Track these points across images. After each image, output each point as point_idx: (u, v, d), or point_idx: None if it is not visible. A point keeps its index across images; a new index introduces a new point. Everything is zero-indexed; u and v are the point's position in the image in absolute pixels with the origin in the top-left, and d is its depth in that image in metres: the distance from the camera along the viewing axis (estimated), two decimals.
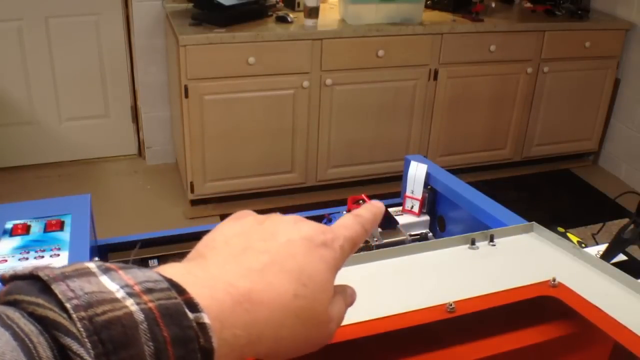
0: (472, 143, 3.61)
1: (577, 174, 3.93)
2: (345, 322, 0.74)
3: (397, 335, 0.74)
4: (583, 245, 1.33)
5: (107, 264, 0.33)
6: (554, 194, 3.69)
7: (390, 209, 1.62)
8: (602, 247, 1.33)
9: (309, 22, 3.04)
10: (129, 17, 3.43)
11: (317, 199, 3.32)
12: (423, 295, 0.80)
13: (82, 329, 0.29)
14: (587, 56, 3.60)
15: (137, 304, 0.31)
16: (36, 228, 1.24)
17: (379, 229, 1.52)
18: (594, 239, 1.76)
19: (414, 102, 3.35)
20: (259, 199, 3.30)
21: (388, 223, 1.61)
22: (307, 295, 0.40)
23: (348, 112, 3.24)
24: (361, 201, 1.50)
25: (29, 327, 0.29)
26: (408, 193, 1.58)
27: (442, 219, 1.58)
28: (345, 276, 0.92)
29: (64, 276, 0.31)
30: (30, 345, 0.28)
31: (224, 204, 3.27)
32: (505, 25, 3.36)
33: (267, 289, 0.38)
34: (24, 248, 1.17)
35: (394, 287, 0.87)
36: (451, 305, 0.76)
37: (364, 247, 1.45)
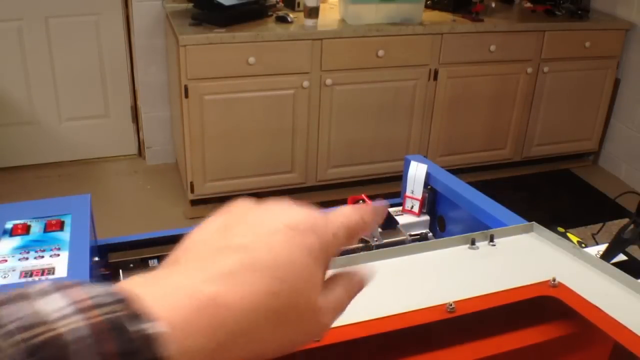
0: (472, 143, 3.61)
1: (577, 174, 3.93)
2: (345, 322, 0.74)
3: (397, 335, 0.74)
4: (583, 245, 1.33)
5: (63, 283, 0.33)
6: (554, 194, 3.69)
7: (390, 209, 1.62)
8: (602, 247, 1.33)
9: (309, 22, 3.04)
10: (129, 17, 3.43)
11: (317, 199, 3.32)
12: (423, 295, 0.80)
13: (14, 354, 0.29)
14: (587, 56, 3.60)
15: (83, 319, 0.31)
16: (36, 228, 1.24)
17: (379, 229, 1.52)
18: (594, 239, 1.76)
19: (414, 102, 3.35)
20: (259, 199, 3.30)
21: (388, 223, 1.61)
22: (284, 290, 0.39)
23: (348, 112, 3.24)
24: (361, 201, 1.50)
25: None
26: (408, 193, 1.58)
27: (442, 219, 1.58)
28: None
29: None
30: None
31: (224, 204, 3.27)
32: (505, 25, 3.36)
33: (235, 290, 0.37)
34: (24, 248, 1.17)
35: (394, 287, 0.87)
36: (451, 305, 0.76)
37: (364, 247, 1.45)
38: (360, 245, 1.46)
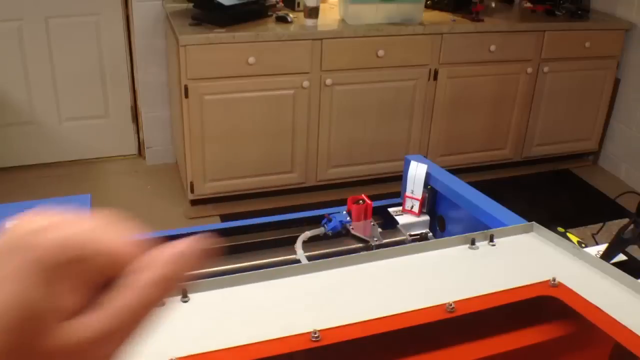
0: (472, 143, 3.61)
1: (577, 174, 3.93)
2: (345, 322, 0.74)
3: (397, 335, 0.74)
4: (583, 245, 1.33)
5: None
6: (554, 194, 3.69)
7: (390, 209, 1.62)
8: (602, 247, 1.33)
9: (309, 22, 3.04)
10: (129, 17, 3.43)
11: (317, 199, 3.31)
12: (423, 295, 0.80)
13: None
14: (587, 56, 3.60)
15: None
16: None
17: (379, 229, 1.52)
18: (594, 239, 1.76)
19: (414, 102, 3.35)
20: (259, 199, 3.30)
21: (388, 223, 1.61)
22: None
23: (348, 112, 3.24)
24: (361, 201, 1.51)
25: None
26: (408, 193, 1.58)
27: (442, 219, 1.58)
28: (345, 276, 0.92)
29: None
30: None
31: (224, 204, 3.27)
32: (505, 25, 3.36)
33: None
34: None
35: (394, 287, 0.87)
36: (451, 305, 0.76)
37: (364, 247, 1.45)
38: (361, 245, 1.46)
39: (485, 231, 1.01)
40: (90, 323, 0.33)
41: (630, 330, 0.70)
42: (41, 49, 3.38)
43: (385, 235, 1.51)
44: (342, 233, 1.50)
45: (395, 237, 1.52)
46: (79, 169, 3.64)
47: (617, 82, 3.80)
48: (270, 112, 3.09)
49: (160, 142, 3.70)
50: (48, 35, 3.36)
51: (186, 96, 2.92)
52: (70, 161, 3.68)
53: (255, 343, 0.83)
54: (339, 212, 1.53)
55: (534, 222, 1.06)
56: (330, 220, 1.49)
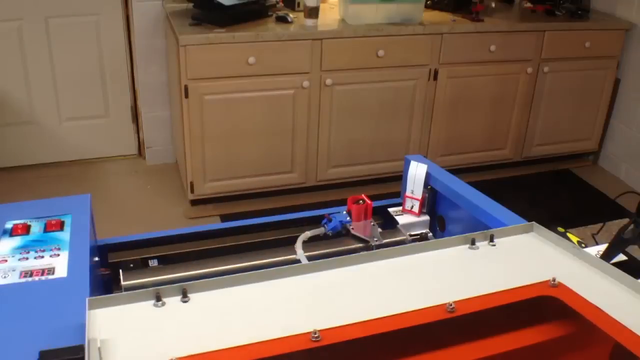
0: (472, 143, 3.61)
1: (577, 174, 3.93)
2: (345, 322, 0.74)
3: (397, 335, 0.74)
4: (583, 245, 1.33)
5: None
6: (554, 194, 3.69)
7: (390, 209, 1.62)
8: (602, 247, 1.33)
9: (309, 22, 3.04)
10: (129, 17, 3.43)
11: (317, 199, 3.32)
12: (423, 295, 0.81)
13: None
14: (587, 56, 3.60)
15: None
16: (36, 228, 1.24)
17: (379, 229, 1.52)
18: (594, 239, 1.76)
19: (414, 102, 3.35)
20: (259, 199, 3.30)
21: (388, 223, 1.61)
22: None
23: (348, 112, 3.24)
24: (361, 201, 1.51)
25: None
26: (408, 193, 1.58)
27: (442, 219, 1.58)
28: (345, 276, 0.93)
29: None
30: None
31: (224, 204, 3.27)
32: (505, 25, 3.36)
33: None
34: (24, 248, 1.17)
35: (394, 287, 0.87)
36: (451, 305, 0.76)
37: (364, 247, 1.45)
38: (361, 245, 1.46)
39: (485, 231, 1.01)
40: None
41: (630, 330, 0.70)
42: (41, 49, 3.38)
43: (385, 235, 1.51)
44: (342, 233, 1.50)
45: (395, 237, 1.52)
46: (79, 169, 3.64)
47: (617, 82, 3.80)
48: (270, 112, 3.09)
49: (160, 142, 3.70)
50: (48, 35, 3.37)
51: (186, 96, 2.92)
52: (70, 161, 3.68)
53: (255, 343, 0.83)
54: (339, 212, 1.53)
55: (534, 222, 1.06)
56: (330, 220, 1.49)
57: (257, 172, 3.21)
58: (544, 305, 0.80)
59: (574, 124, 3.82)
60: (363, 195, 1.52)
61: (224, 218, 3.20)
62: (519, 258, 0.94)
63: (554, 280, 0.81)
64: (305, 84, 3.07)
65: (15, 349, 0.90)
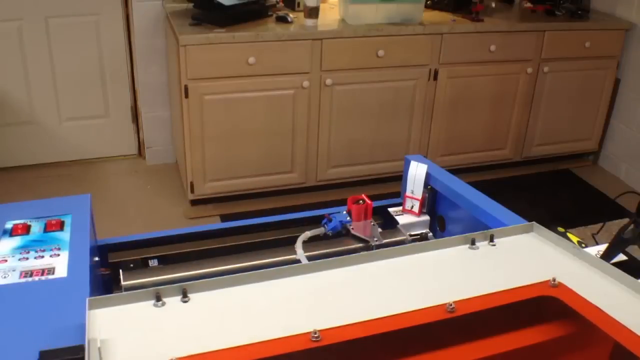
0: (472, 143, 3.61)
1: (577, 174, 3.93)
2: (345, 322, 0.74)
3: (397, 335, 0.74)
4: (583, 245, 1.33)
5: None
6: (554, 194, 3.69)
7: (390, 209, 1.62)
8: (602, 247, 1.33)
9: (309, 22, 3.04)
10: (129, 17, 3.43)
11: (317, 199, 3.32)
12: (423, 295, 0.81)
13: None
14: (587, 56, 3.60)
15: None
16: (36, 228, 1.24)
17: (379, 229, 1.52)
18: (594, 239, 1.76)
19: (414, 102, 3.35)
20: (259, 199, 3.30)
21: (388, 223, 1.61)
22: None
23: (348, 112, 3.24)
24: (361, 201, 1.51)
25: None
26: (408, 193, 1.58)
27: (442, 219, 1.58)
28: (345, 276, 0.92)
29: None
30: None
31: (224, 204, 3.27)
32: (505, 25, 3.36)
33: None
34: (24, 248, 1.17)
35: (394, 287, 0.87)
36: (451, 305, 0.76)
37: (364, 247, 1.45)
38: (361, 245, 1.46)
39: (485, 231, 1.01)
40: None
41: (630, 330, 0.70)
42: (41, 49, 3.38)
43: (385, 235, 1.51)
44: (342, 233, 1.50)
45: (395, 237, 1.52)
46: (79, 169, 3.64)
47: (617, 82, 3.80)
48: (270, 112, 3.09)
49: (160, 142, 3.70)
50: (48, 35, 3.37)
51: (186, 96, 2.92)
52: (70, 161, 3.68)
53: (255, 343, 0.83)
54: (339, 212, 1.53)
55: (534, 222, 1.06)
56: (330, 220, 1.49)
57: (257, 172, 3.21)
58: (544, 305, 0.80)
59: (574, 124, 3.82)
60: (363, 195, 1.52)
61: (224, 218, 3.20)
62: (519, 258, 0.94)
63: (554, 280, 0.81)
64: (305, 84, 3.07)
65: (15, 349, 0.90)
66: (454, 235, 1.15)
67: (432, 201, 1.58)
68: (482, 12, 3.41)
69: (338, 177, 3.39)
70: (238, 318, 0.92)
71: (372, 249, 1.39)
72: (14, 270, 1.10)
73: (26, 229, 1.23)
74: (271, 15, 3.15)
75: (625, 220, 1.34)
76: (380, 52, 3.13)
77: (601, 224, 1.96)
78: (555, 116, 3.73)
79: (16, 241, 1.19)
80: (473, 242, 0.99)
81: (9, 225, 1.24)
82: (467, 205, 1.41)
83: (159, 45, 3.42)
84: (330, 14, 3.28)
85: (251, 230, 1.60)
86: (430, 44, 3.23)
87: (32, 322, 0.97)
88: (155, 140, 3.69)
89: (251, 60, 2.92)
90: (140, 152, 3.80)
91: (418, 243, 1.05)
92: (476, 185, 1.52)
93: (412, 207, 1.57)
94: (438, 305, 0.76)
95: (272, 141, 3.16)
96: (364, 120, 3.28)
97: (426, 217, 1.58)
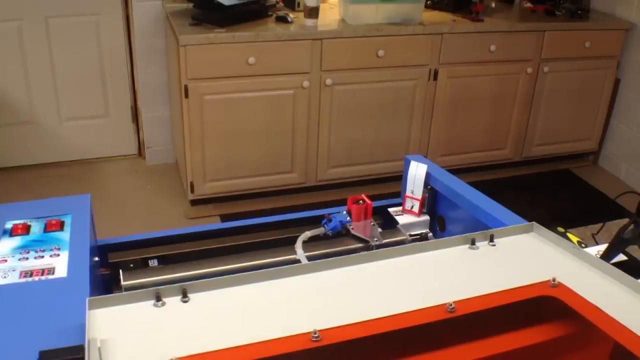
0: (472, 143, 3.61)
1: (577, 174, 3.93)
2: (345, 322, 0.74)
3: (397, 335, 0.74)
4: (583, 245, 1.33)
5: None
6: (554, 194, 3.69)
7: (390, 209, 1.62)
8: (602, 247, 1.33)
9: (309, 22, 3.04)
10: (129, 17, 3.43)
11: (317, 199, 3.32)
12: (423, 295, 0.80)
13: None
14: (587, 56, 3.60)
15: None
16: (36, 228, 1.24)
17: (379, 229, 1.52)
18: (594, 239, 1.76)
19: (414, 102, 3.35)
20: (259, 199, 3.30)
21: (388, 223, 1.61)
22: None
23: (348, 112, 3.24)
24: (361, 201, 1.51)
25: None
26: (408, 193, 1.58)
27: (442, 219, 1.58)
28: (345, 276, 0.92)
29: None
30: None
31: (224, 204, 3.27)
32: (505, 25, 3.36)
33: None
34: (24, 248, 1.17)
35: (394, 287, 0.87)
36: (451, 305, 0.76)
37: (364, 247, 1.45)
38: (361, 245, 1.46)
39: (485, 231, 1.01)
40: None
41: (630, 330, 0.70)
42: (41, 49, 3.38)
43: (385, 235, 1.51)
44: (342, 233, 1.50)
45: (395, 237, 1.52)
46: (79, 169, 3.64)
47: (617, 82, 3.80)
48: (270, 112, 3.09)
49: (160, 142, 3.70)
50: (48, 35, 3.37)
51: (186, 96, 2.92)
52: (70, 161, 3.68)
53: (255, 343, 0.83)
54: (339, 212, 1.53)
55: (534, 222, 1.06)
56: (330, 220, 1.49)
57: (257, 172, 3.21)
58: (544, 305, 0.80)
59: (574, 124, 3.82)
60: (363, 195, 1.52)
61: (224, 218, 3.20)
62: (519, 258, 0.94)
63: (554, 280, 0.81)
64: (305, 84, 3.07)
65: (15, 349, 0.90)
66: (454, 235, 1.15)
67: (432, 201, 1.58)
68: (482, 12, 3.41)
69: (338, 177, 3.39)
70: (238, 318, 0.92)
71: (372, 249, 1.39)
72: (14, 270, 1.10)
73: (26, 229, 1.23)
74: (271, 15, 3.15)
75: (625, 220, 1.34)
76: (380, 52, 3.13)
77: (601, 224, 1.96)
78: (555, 116, 3.73)
79: (16, 241, 1.19)
80: (473, 242, 0.99)
81: (9, 225, 1.24)
82: (467, 205, 1.41)
83: (159, 45, 3.42)
84: (330, 14, 3.28)
85: (251, 230, 1.60)
86: (430, 44, 3.23)
87: (32, 322, 0.97)
88: (155, 140, 3.69)
89: (251, 60, 2.92)
90: (140, 152, 3.80)
91: (418, 243, 1.05)
92: (476, 185, 1.52)
93: (412, 207, 1.57)
94: (438, 305, 0.76)
95: (272, 141, 3.16)
96: (364, 120, 3.28)
97: (426, 217, 1.58)
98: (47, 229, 1.23)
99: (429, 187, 1.56)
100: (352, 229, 1.48)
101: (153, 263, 1.43)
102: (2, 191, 3.29)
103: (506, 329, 0.78)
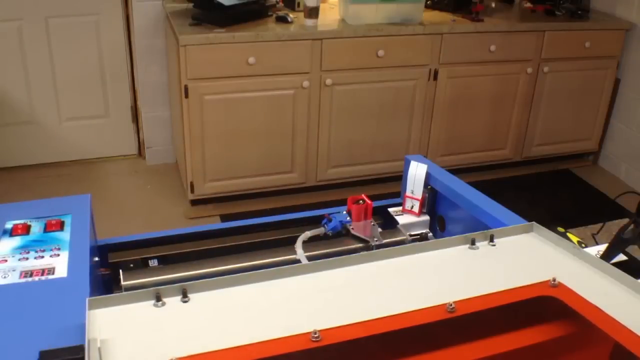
0: (472, 143, 3.61)
1: (577, 174, 3.93)
2: (345, 322, 0.74)
3: (397, 335, 0.74)
4: (583, 245, 1.33)
5: None
6: (554, 194, 3.69)
7: (390, 209, 1.62)
8: (602, 247, 1.33)
9: (309, 22, 3.04)
10: (129, 17, 3.43)
11: (317, 199, 3.32)
12: (423, 295, 0.80)
13: None
14: (587, 56, 3.60)
15: None
16: (36, 228, 1.24)
17: (379, 229, 1.52)
18: (594, 239, 1.76)
19: (414, 102, 3.35)
20: (259, 199, 3.30)
21: (388, 223, 1.61)
22: None
23: (348, 112, 3.24)
24: (361, 201, 1.51)
25: None
26: (408, 193, 1.58)
27: (442, 219, 1.58)
28: (345, 276, 0.92)
29: None
30: None
31: (224, 204, 3.27)
32: (505, 25, 3.36)
33: None
34: (24, 248, 1.17)
35: (394, 287, 0.87)
36: (451, 305, 0.76)
37: (364, 247, 1.45)
38: (361, 245, 1.46)
39: (485, 231, 1.01)
40: None
41: (630, 330, 0.70)
42: (41, 49, 3.38)
43: (385, 235, 1.51)
44: (342, 233, 1.50)
45: (395, 237, 1.52)
46: (79, 169, 3.64)
47: (617, 82, 3.80)
48: (270, 112, 3.09)
49: (160, 142, 3.70)
50: (48, 35, 3.37)
51: (186, 96, 2.92)
52: (70, 161, 3.68)
53: (255, 343, 0.83)
54: (339, 212, 1.53)
55: (534, 222, 1.06)
56: (330, 220, 1.49)
57: (257, 172, 3.21)
58: (544, 305, 0.80)
59: (574, 124, 3.82)
60: (363, 195, 1.52)
61: (224, 218, 3.20)
62: (519, 258, 0.94)
63: (554, 280, 0.81)
64: (305, 84, 3.07)
65: (15, 349, 0.90)
66: (454, 235, 1.15)
67: (432, 201, 1.58)
68: (482, 12, 3.41)
69: (338, 177, 3.39)
70: (238, 318, 0.92)
71: (372, 249, 1.39)
72: (14, 270, 1.10)
73: (26, 229, 1.23)
74: (271, 15, 3.15)
75: (625, 220, 1.34)
76: (380, 52, 3.13)
77: (601, 224, 1.96)
78: (555, 116, 3.73)
79: (16, 241, 1.19)
80: (473, 242, 0.99)
81: (9, 225, 1.24)
82: (467, 205, 1.41)
83: (159, 45, 3.42)
84: (330, 14, 3.28)
85: (251, 230, 1.60)
86: (430, 44, 3.23)
87: (32, 322, 0.97)
88: (155, 140, 3.69)
89: (251, 60, 2.92)
90: (140, 152, 3.80)
91: (418, 243, 1.05)
92: (476, 185, 1.52)
93: (412, 207, 1.57)
94: (438, 305, 0.76)
95: (272, 141, 3.16)
96: (364, 120, 3.28)
97: (426, 217, 1.58)
98: (47, 229, 1.23)
99: (429, 187, 1.56)
100: (352, 229, 1.48)
101: (153, 263, 1.43)
102: (2, 191, 3.29)
103: (506, 329, 0.78)
